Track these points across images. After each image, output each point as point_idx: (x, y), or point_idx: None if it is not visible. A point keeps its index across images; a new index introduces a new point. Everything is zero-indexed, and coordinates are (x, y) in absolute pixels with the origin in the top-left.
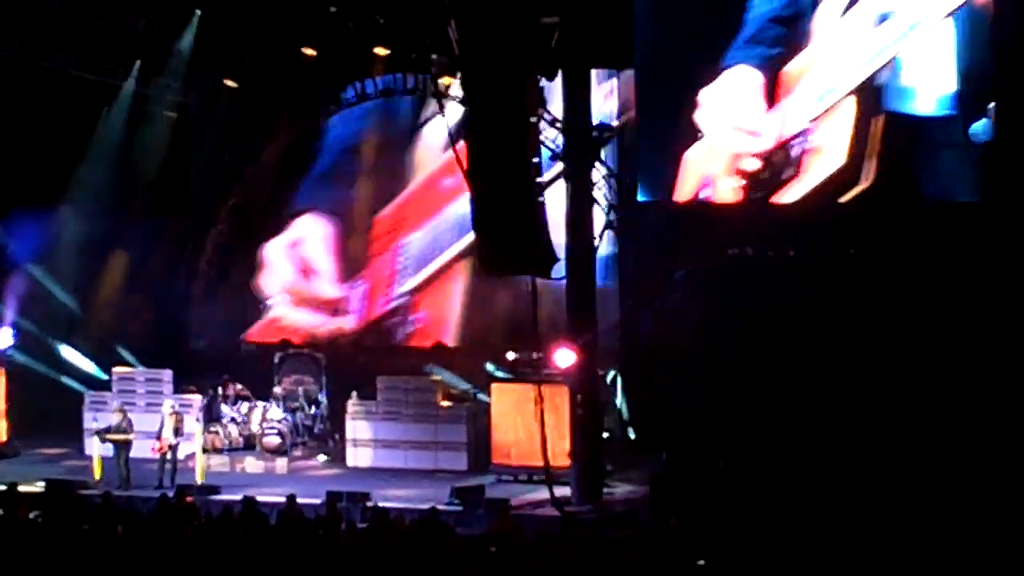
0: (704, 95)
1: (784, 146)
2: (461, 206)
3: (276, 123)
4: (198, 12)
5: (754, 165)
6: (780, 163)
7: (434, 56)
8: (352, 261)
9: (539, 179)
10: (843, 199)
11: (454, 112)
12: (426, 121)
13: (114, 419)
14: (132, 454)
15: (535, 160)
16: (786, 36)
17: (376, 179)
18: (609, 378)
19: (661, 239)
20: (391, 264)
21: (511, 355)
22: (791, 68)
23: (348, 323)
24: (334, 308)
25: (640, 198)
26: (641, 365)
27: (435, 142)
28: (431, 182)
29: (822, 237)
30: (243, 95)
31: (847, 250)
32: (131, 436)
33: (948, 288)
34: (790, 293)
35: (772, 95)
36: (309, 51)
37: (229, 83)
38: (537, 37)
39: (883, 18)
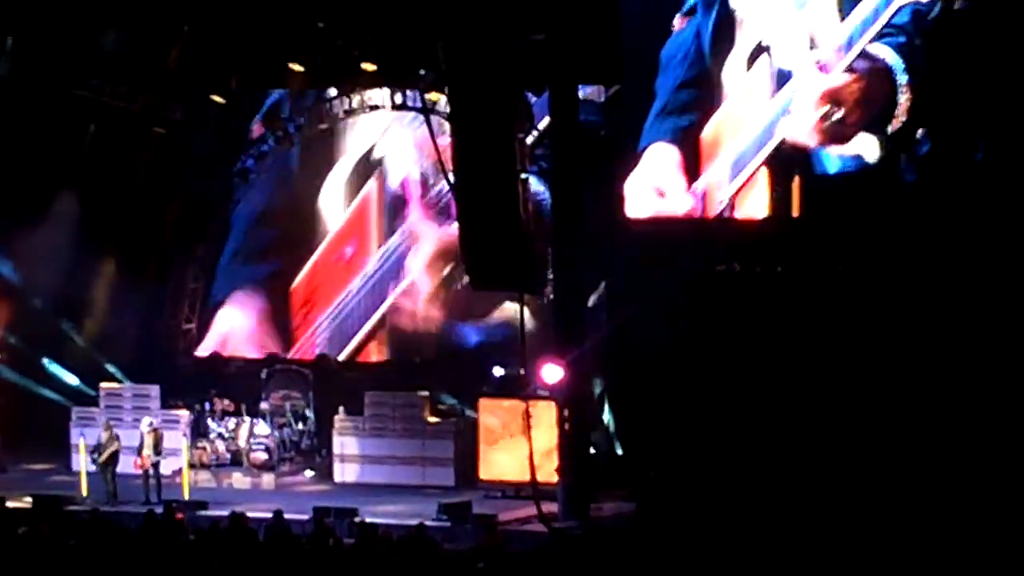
0: (627, 186)
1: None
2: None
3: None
4: (186, 28)
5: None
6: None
7: (422, 72)
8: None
9: (526, 195)
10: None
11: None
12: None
13: (102, 436)
14: (118, 469)
15: (522, 176)
16: (697, 99)
17: (287, 249)
18: (596, 394)
19: (649, 255)
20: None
21: (498, 371)
22: (707, 134)
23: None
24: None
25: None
26: (629, 381)
27: (335, 200)
28: (334, 247)
29: (809, 252)
30: (231, 111)
31: (835, 266)
32: (116, 448)
33: (934, 302)
34: (778, 309)
35: (695, 167)
36: (297, 67)
37: (217, 99)
38: (524, 53)
39: (782, 75)
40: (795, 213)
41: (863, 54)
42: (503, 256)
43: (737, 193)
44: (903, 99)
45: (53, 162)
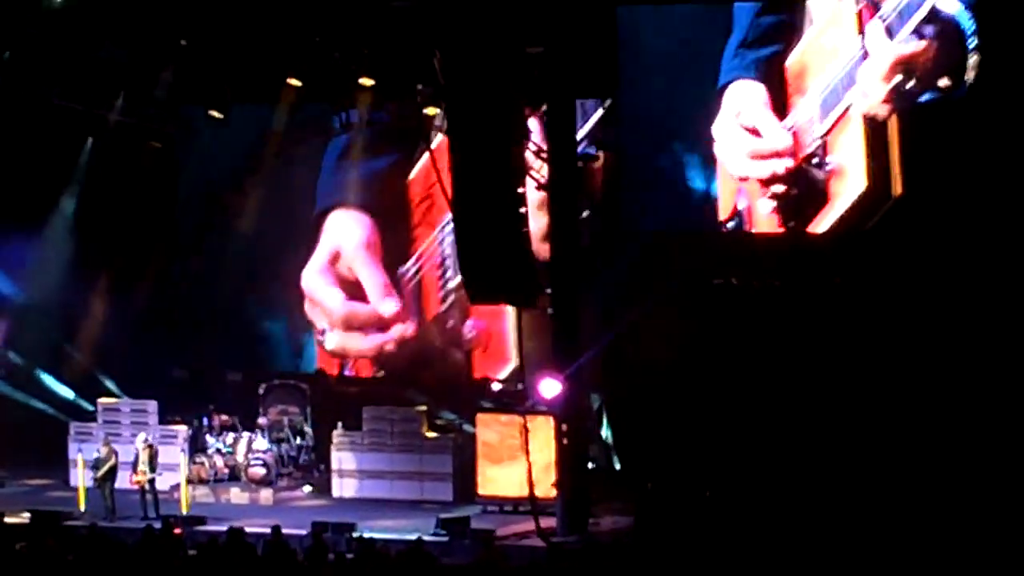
0: (715, 128)
1: (806, 164)
2: None
3: (261, 153)
4: (183, 42)
5: (782, 188)
6: (806, 186)
7: (419, 86)
8: (398, 250)
9: (524, 209)
10: (871, 223)
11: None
12: None
13: (101, 452)
14: (116, 485)
15: (520, 190)
16: (778, 25)
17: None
18: (595, 408)
19: (645, 269)
20: (438, 249)
21: (496, 385)
22: (792, 63)
23: (408, 330)
24: (391, 321)
25: (625, 227)
26: (626, 395)
27: None
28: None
29: (808, 266)
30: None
31: (833, 279)
32: (114, 463)
33: (937, 319)
34: (775, 323)
35: (782, 102)
36: (294, 81)
37: (214, 113)
38: (522, 67)
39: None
40: (897, 157)
41: (932, 14)
42: (501, 270)
43: (828, 133)
44: (972, 60)
45: (49, 175)
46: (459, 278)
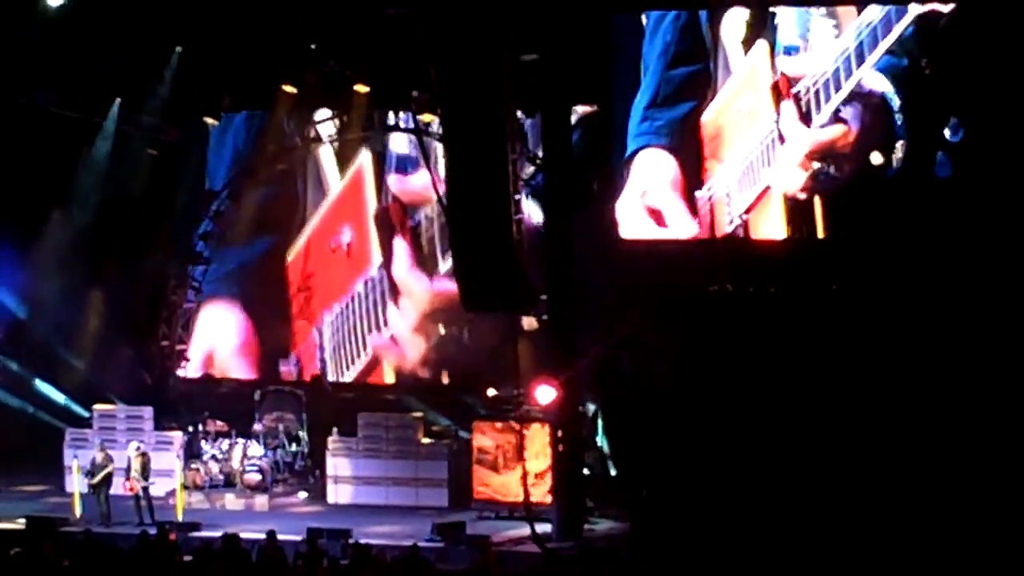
0: (618, 206)
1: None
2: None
3: (256, 162)
4: (178, 49)
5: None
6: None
7: (415, 93)
8: (276, 346)
9: (518, 216)
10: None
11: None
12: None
13: (97, 458)
14: (112, 491)
15: (515, 197)
16: (691, 77)
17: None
18: (590, 414)
19: (641, 275)
20: (316, 352)
21: (492, 392)
22: (707, 121)
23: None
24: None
25: (621, 234)
26: (622, 402)
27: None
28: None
29: (802, 273)
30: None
31: (828, 286)
32: (110, 468)
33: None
34: (771, 330)
35: (696, 167)
36: (289, 88)
37: (210, 121)
38: (516, 74)
39: (788, 51)
40: (820, 235)
41: (855, 93)
42: (496, 277)
43: (749, 211)
44: (900, 142)
45: (46, 183)
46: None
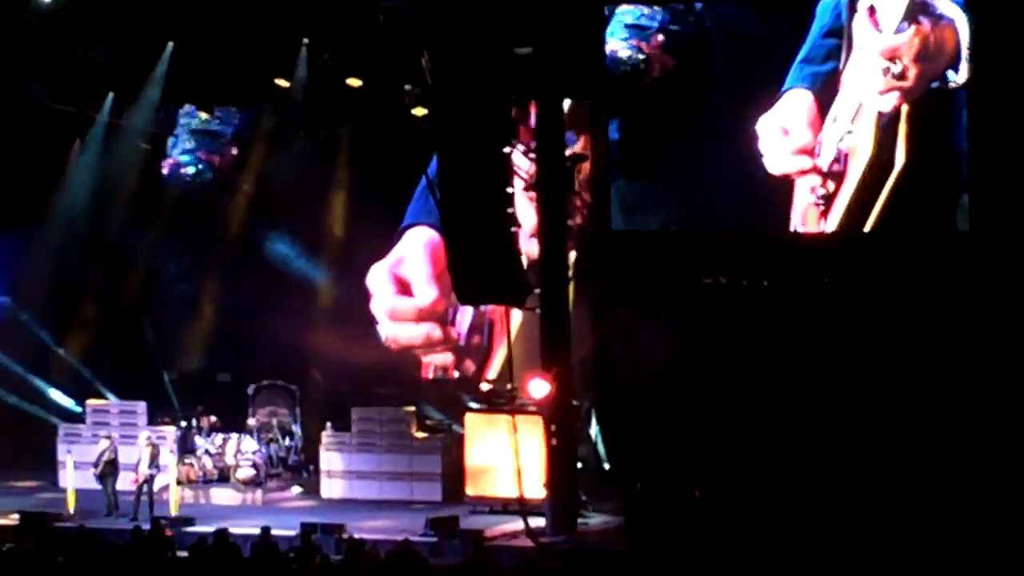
0: (760, 125)
1: (837, 159)
2: None
3: (250, 153)
4: (171, 43)
5: (821, 184)
6: (837, 177)
7: (407, 87)
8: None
9: (512, 209)
10: (867, 227)
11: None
12: None
13: (102, 445)
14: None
15: (508, 190)
16: (838, 48)
17: None
18: (583, 408)
19: (635, 268)
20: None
21: (485, 385)
22: (844, 78)
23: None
24: (431, 315)
25: (615, 227)
26: (615, 395)
27: None
28: None
29: (796, 266)
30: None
31: (821, 279)
32: (112, 457)
33: (926, 319)
34: (765, 323)
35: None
36: (282, 82)
37: (203, 114)
38: (510, 67)
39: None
40: (905, 130)
41: (925, 8)
42: (490, 270)
43: (849, 132)
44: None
45: (38, 177)
46: None
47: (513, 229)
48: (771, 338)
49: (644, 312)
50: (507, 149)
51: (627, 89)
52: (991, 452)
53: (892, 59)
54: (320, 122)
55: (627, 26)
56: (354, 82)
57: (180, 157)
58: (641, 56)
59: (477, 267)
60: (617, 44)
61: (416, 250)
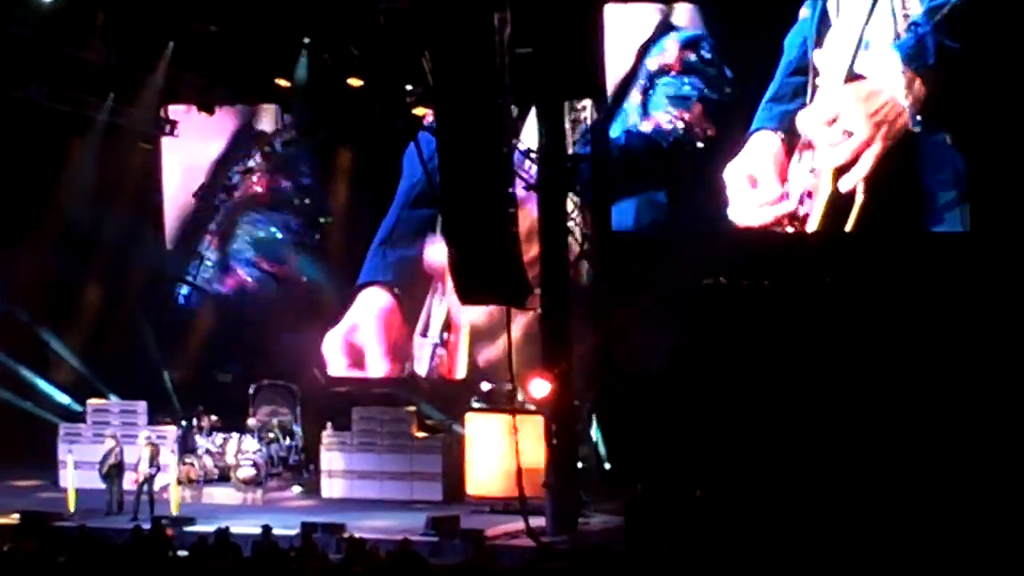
0: (727, 173)
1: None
2: None
3: (249, 154)
4: (171, 43)
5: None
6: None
7: (408, 87)
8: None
9: (512, 209)
10: (848, 226)
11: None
12: None
13: (107, 445)
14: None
15: (509, 191)
16: (804, 84)
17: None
18: (584, 408)
19: (635, 269)
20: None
21: (485, 386)
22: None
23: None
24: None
25: (615, 228)
26: (616, 395)
27: None
28: None
29: (796, 266)
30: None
31: (822, 279)
32: (118, 459)
33: (927, 319)
34: (764, 323)
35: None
36: (283, 82)
37: (203, 114)
38: (511, 68)
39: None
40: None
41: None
42: (490, 270)
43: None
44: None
45: (38, 177)
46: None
47: (513, 229)
48: (772, 338)
49: (645, 312)
50: (507, 149)
51: (676, 158)
52: (990, 449)
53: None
54: (320, 122)
55: (668, 98)
56: (355, 82)
57: None
58: (682, 126)
59: (477, 267)
60: (661, 116)
61: (369, 320)
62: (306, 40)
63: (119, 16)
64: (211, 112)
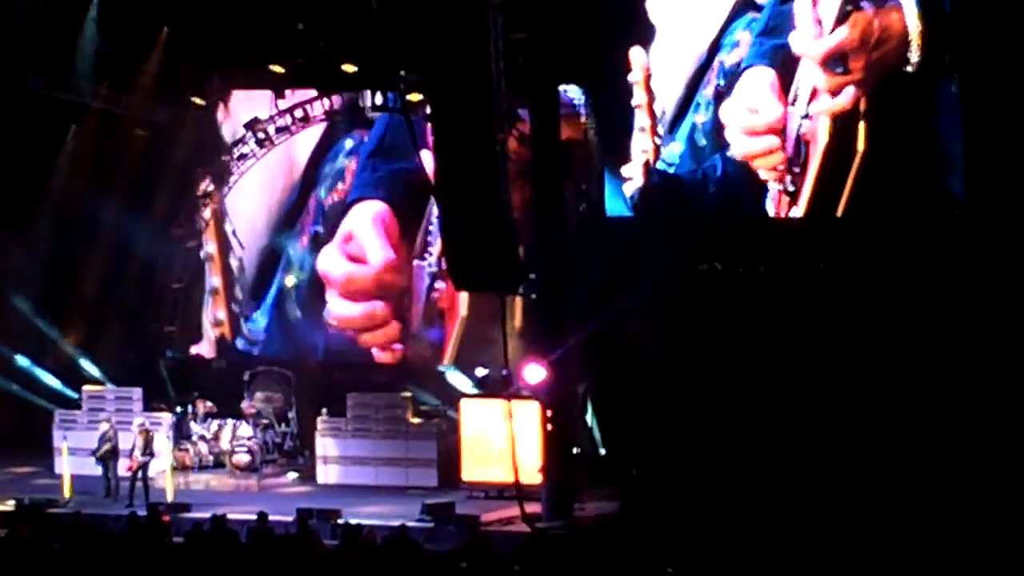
0: (723, 112)
1: (797, 141)
2: None
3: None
4: (166, 29)
5: (786, 169)
6: (798, 161)
7: (403, 73)
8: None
9: (507, 196)
10: (839, 211)
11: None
12: None
13: (102, 428)
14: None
15: (504, 177)
16: (795, 15)
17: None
18: (579, 393)
19: (629, 254)
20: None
21: (480, 371)
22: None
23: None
24: (386, 285)
25: (608, 212)
26: (611, 381)
27: None
28: None
29: (791, 252)
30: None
31: (817, 265)
32: (113, 444)
33: (924, 304)
34: (760, 308)
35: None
36: (277, 68)
37: (197, 101)
38: (505, 54)
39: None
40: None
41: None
42: (485, 257)
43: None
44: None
45: (34, 165)
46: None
47: (508, 217)
48: (768, 324)
49: (640, 297)
50: (502, 135)
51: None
52: (986, 435)
53: (834, 60)
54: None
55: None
56: (349, 68)
57: None
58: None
59: (472, 253)
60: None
61: (364, 224)
62: (300, 26)
63: (115, 3)
64: (205, 98)
